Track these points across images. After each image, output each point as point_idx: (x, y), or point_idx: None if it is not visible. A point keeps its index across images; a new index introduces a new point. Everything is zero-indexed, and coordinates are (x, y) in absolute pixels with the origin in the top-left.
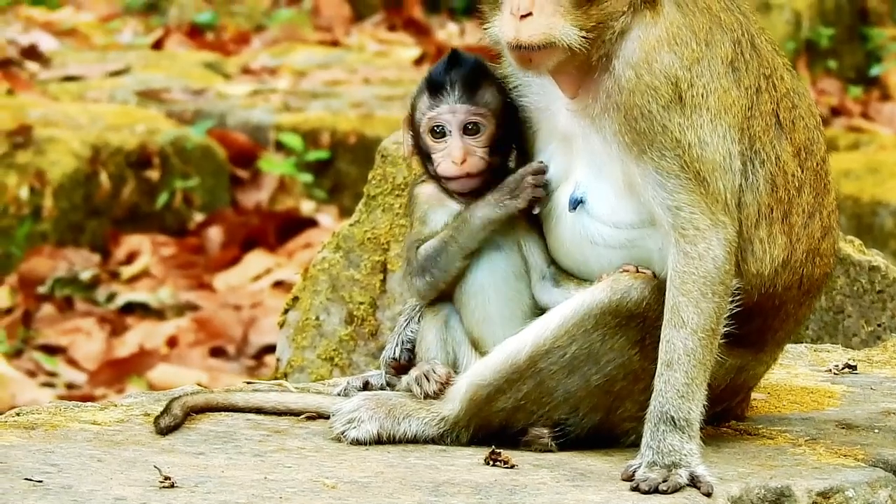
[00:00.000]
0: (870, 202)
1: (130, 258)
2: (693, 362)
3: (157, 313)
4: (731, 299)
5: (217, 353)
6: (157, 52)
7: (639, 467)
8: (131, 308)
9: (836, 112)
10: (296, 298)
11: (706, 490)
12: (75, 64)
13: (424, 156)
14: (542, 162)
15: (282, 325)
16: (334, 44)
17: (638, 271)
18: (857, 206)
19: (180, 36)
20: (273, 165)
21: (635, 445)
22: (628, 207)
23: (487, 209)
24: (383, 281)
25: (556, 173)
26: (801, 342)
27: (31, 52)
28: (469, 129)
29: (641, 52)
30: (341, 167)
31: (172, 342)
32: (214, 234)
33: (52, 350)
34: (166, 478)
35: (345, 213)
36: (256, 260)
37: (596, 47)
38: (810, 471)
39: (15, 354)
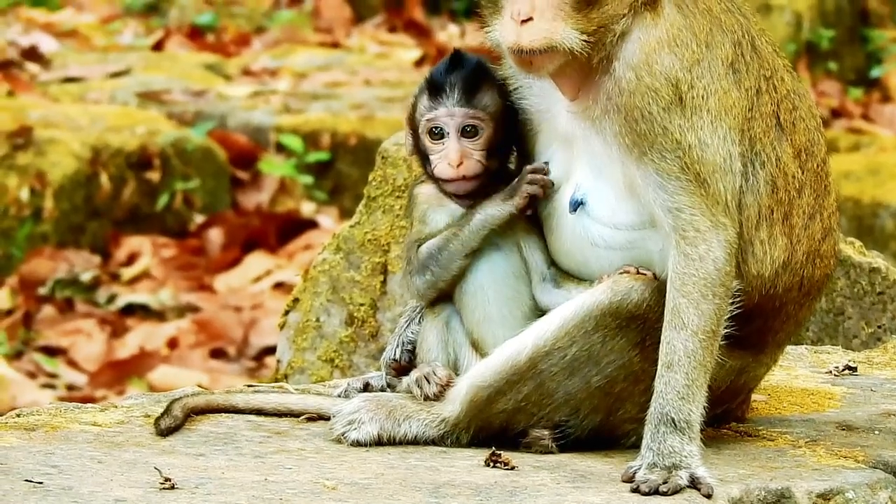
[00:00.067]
0: (870, 204)
1: (131, 259)
2: (693, 364)
3: (157, 315)
4: (731, 301)
5: (217, 354)
6: (158, 54)
7: (639, 469)
8: (132, 309)
9: (837, 114)
10: (296, 300)
11: (706, 491)
12: (76, 65)
13: (423, 156)
14: (545, 162)
15: (282, 327)
16: (335, 45)
17: (638, 273)
18: (857, 208)
19: (181, 37)
20: (273, 167)
21: (636, 447)
22: (629, 209)
23: (489, 208)
24: (384, 282)
25: (557, 175)
26: (802, 344)
27: (32, 54)
28: (467, 132)
29: (642, 54)
30: (342, 169)
31: (173, 343)
32: (215, 235)
33: (52, 351)
34: (167, 479)
35: (345, 214)
36: (257, 261)
37: (597, 50)
38: (810, 472)
39: (15, 356)
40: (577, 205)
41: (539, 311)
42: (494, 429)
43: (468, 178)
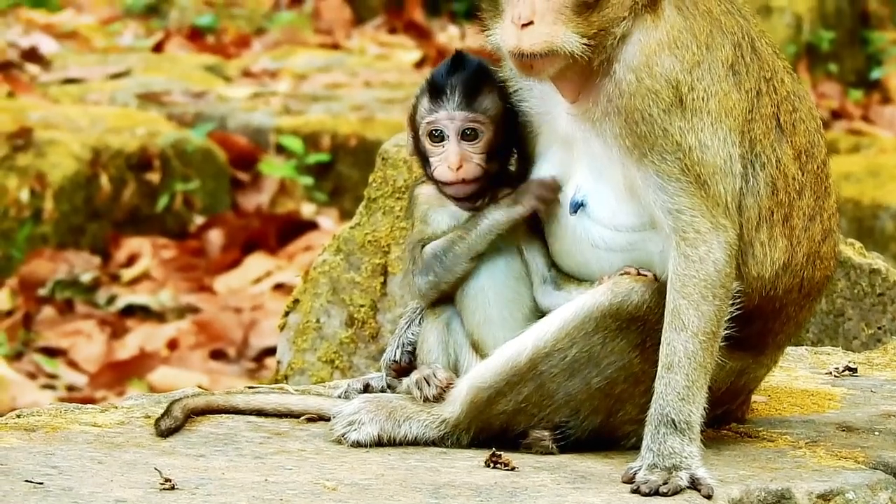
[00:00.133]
0: (870, 205)
1: (131, 260)
2: (693, 365)
3: (157, 316)
4: (731, 302)
5: (217, 355)
6: (158, 55)
7: (639, 470)
8: (132, 310)
9: (837, 115)
10: (296, 301)
11: (707, 492)
12: (76, 66)
13: (423, 158)
14: (554, 177)
15: (282, 328)
16: (335, 47)
17: (639, 274)
18: (857, 209)
19: (181, 39)
20: (273, 168)
21: (636, 448)
22: (629, 211)
23: (496, 213)
24: (384, 283)
25: (558, 177)
26: (802, 345)
27: (32, 55)
28: (467, 136)
29: (642, 56)
30: (342, 170)
31: (173, 345)
32: (215, 236)
33: (52, 352)
34: (167, 480)
35: (345, 215)
36: (257, 262)
37: (597, 53)
38: (810, 473)
39: (15, 357)
40: (577, 206)
41: (539, 313)
42: (495, 430)
43: (468, 182)
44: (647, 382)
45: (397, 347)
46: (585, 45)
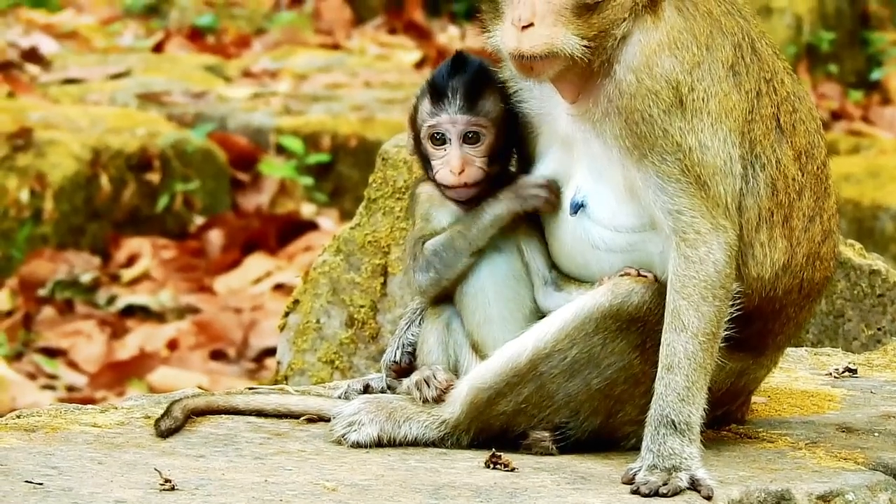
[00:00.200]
0: (870, 206)
1: (131, 261)
2: (693, 366)
3: (157, 316)
4: (731, 303)
5: (217, 356)
6: (158, 55)
7: (639, 470)
8: (132, 311)
9: (837, 116)
10: (296, 301)
11: (706, 493)
12: (76, 67)
13: (424, 159)
14: (553, 180)
15: (282, 329)
16: (335, 47)
17: (639, 275)
18: (857, 210)
19: (181, 39)
20: (274, 168)
21: (636, 449)
22: (629, 211)
23: (496, 207)
24: (384, 284)
25: (557, 178)
26: (802, 346)
27: (32, 55)
28: (469, 139)
29: (642, 57)
30: (342, 170)
31: (173, 345)
32: (215, 237)
33: (52, 353)
34: (167, 480)
35: (345, 216)
36: (257, 263)
37: (597, 54)
38: (810, 474)
39: (15, 357)
40: (577, 207)
41: (539, 314)
42: (495, 430)
43: (470, 185)
44: (647, 383)
45: (397, 348)
46: (585, 46)
